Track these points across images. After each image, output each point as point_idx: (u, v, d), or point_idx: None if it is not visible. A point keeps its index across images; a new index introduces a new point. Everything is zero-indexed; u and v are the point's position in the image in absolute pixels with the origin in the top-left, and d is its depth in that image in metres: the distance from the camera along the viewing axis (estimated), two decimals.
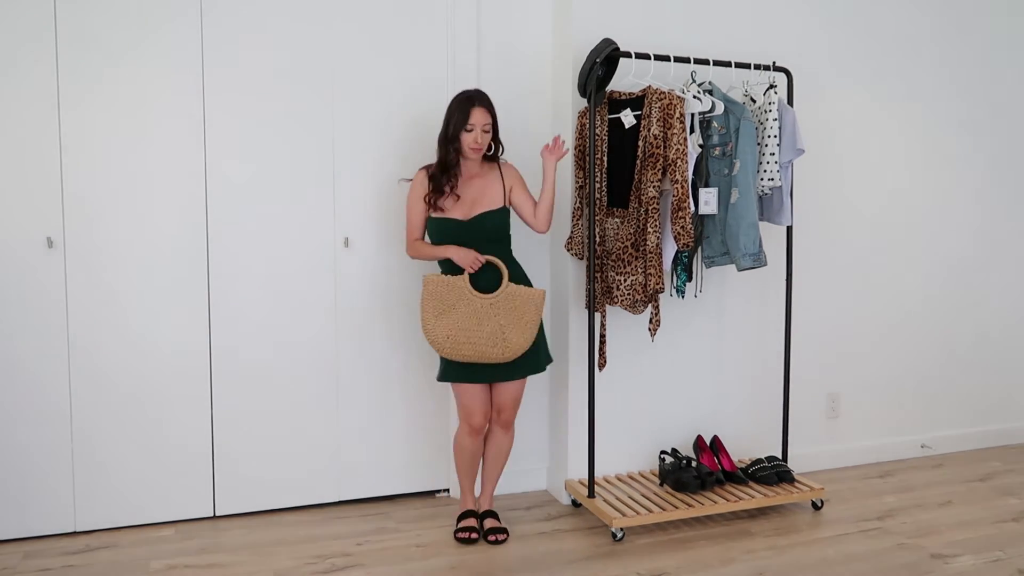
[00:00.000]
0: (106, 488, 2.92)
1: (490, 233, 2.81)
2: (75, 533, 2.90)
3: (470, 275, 2.74)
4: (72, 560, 2.71)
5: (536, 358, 2.87)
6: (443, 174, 2.80)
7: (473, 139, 2.75)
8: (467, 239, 2.77)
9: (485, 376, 2.80)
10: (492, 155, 2.86)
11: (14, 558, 2.71)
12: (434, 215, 2.81)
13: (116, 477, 2.93)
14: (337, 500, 3.21)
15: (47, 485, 2.86)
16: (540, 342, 2.87)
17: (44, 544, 2.82)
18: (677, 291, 3.17)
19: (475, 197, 2.82)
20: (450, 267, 2.80)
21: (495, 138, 2.83)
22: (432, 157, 3.17)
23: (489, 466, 3.00)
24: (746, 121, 3.01)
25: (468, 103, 2.75)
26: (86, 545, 2.82)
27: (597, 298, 3.05)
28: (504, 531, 2.91)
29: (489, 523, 2.93)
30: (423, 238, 2.88)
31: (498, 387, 2.86)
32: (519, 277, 2.85)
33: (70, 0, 2.77)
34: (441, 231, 2.80)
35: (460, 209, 2.80)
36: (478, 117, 2.74)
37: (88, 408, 2.88)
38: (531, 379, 3.36)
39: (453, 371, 2.82)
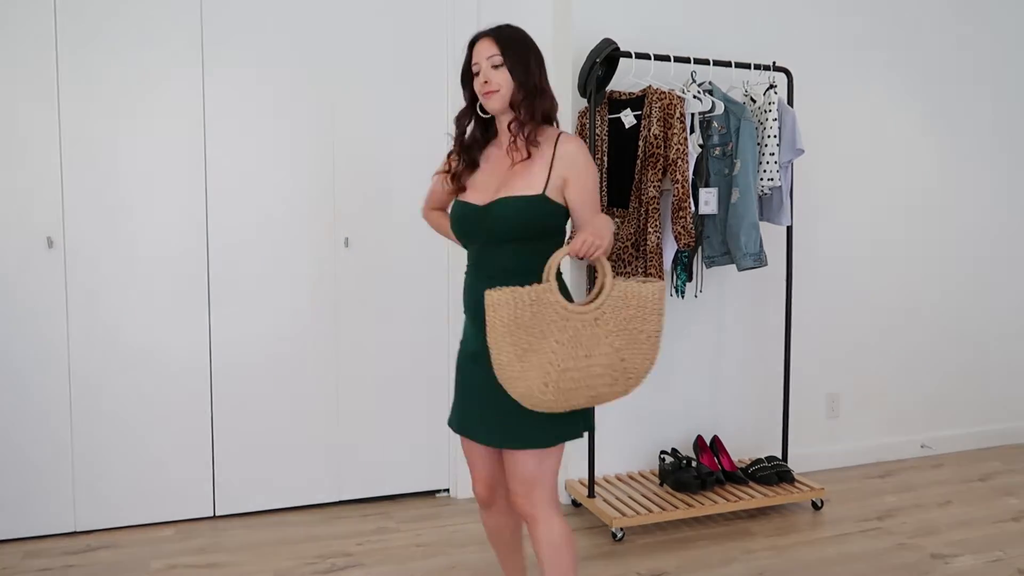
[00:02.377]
0: (106, 488, 2.92)
1: (504, 230, 1.88)
2: (75, 533, 2.90)
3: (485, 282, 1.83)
4: (72, 560, 2.71)
5: (544, 424, 1.87)
6: (458, 131, 2.03)
7: (480, 82, 1.92)
8: (473, 233, 1.94)
9: (478, 434, 1.98)
10: (522, 101, 1.90)
11: (14, 558, 2.71)
12: (458, 197, 2.01)
13: (116, 477, 2.93)
14: (337, 500, 3.21)
15: (47, 485, 2.86)
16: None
17: (44, 544, 2.82)
18: (677, 291, 3.17)
19: (507, 176, 1.93)
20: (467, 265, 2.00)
21: (519, 78, 1.89)
22: (430, 156, 3.17)
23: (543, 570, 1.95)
24: (746, 121, 3.01)
25: (470, 43, 1.98)
26: (86, 545, 2.82)
27: None
28: None
29: None
30: (437, 209, 2.18)
31: (507, 455, 1.95)
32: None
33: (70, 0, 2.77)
34: (453, 219, 2.01)
35: (484, 192, 1.94)
36: (480, 52, 1.93)
37: (88, 408, 2.88)
38: None
39: (454, 416, 2.04)
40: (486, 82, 1.91)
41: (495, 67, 1.91)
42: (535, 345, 1.75)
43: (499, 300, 1.73)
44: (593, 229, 1.81)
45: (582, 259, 1.80)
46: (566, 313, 1.77)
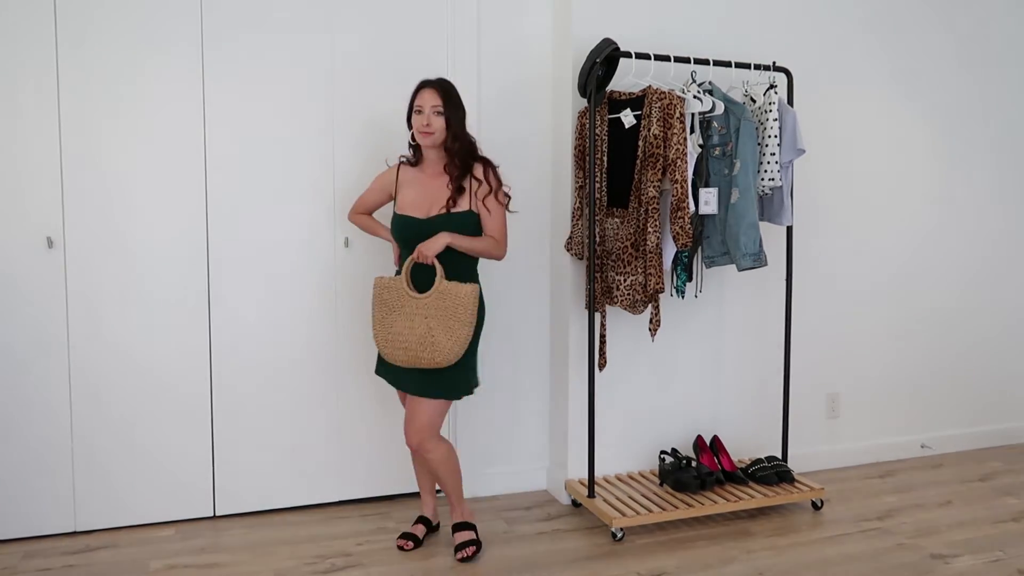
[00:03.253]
0: (106, 488, 2.92)
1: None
2: (75, 533, 2.91)
3: (413, 274, 2.59)
4: (72, 560, 2.71)
5: (452, 379, 2.63)
6: (412, 159, 2.75)
7: (421, 122, 2.58)
8: (419, 239, 2.58)
9: (401, 383, 2.68)
10: (458, 150, 2.61)
11: (14, 558, 2.71)
12: (396, 211, 2.69)
13: (116, 477, 2.93)
14: (337, 500, 3.21)
15: (47, 485, 2.86)
16: (466, 364, 2.64)
17: (44, 544, 2.82)
18: (677, 291, 3.17)
19: (435, 197, 2.63)
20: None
21: (454, 129, 2.60)
22: None
23: (437, 482, 2.81)
24: (746, 121, 3.01)
25: (418, 87, 2.64)
26: (86, 545, 2.82)
27: (597, 298, 3.05)
28: (472, 544, 2.73)
29: (456, 537, 2.76)
30: (363, 214, 2.86)
31: (408, 404, 2.70)
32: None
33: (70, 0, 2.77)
34: (399, 229, 2.67)
35: (420, 207, 2.64)
36: (426, 98, 2.59)
37: (88, 408, 2.88)
38: (531, 378, 3.38)
39: (381, 367, 2.76)
40: (427, 124, 2.58)
41: (437, 114, 2.58)
42: (389, 315, 2.63)
43: (378, 282, 2.67)
44: (425, 243, 2.55)
45: (420, 261, 2.57)
46: (407, 297, 2.60)
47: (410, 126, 2.67)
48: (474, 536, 2.77)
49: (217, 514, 3.06)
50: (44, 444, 2.85)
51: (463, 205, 2.62)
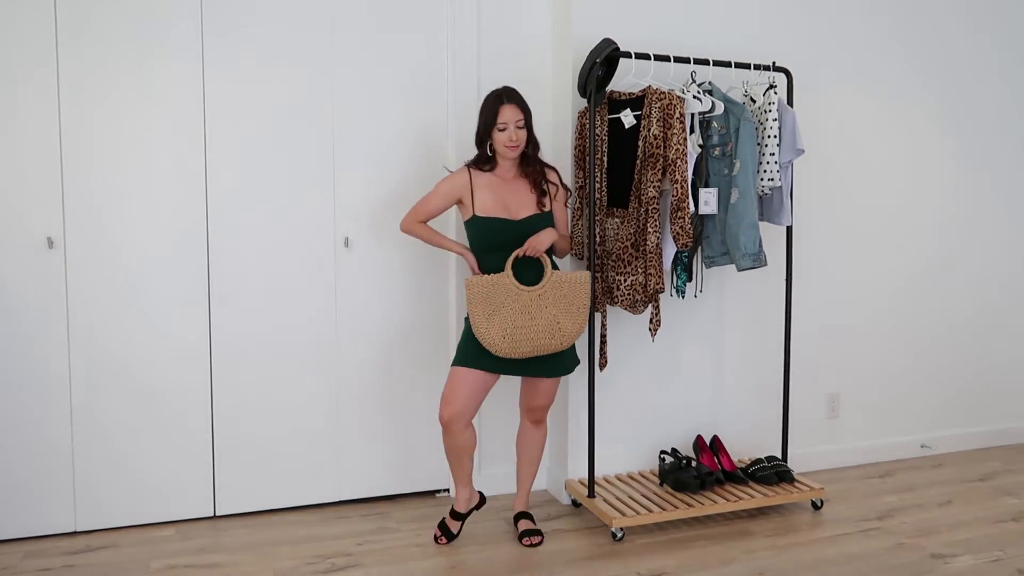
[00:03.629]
0: (106, 488, 2.92)
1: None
2: (75, 533, 2.91)
3: (512, 269, 2.68)
4: (72, 560, 2.71)
5: (572, 358, 2.88)
6: (482, 164, 2.80)
7: (507, 137, 2.71)
8: (516, 240, 2.71)
9: (531, 370, 2.76)
10: (531, 155, 2.79)
11: (14, 558, 2.71)
12: (479, 214, 2.73)
13: (116, 477, 2.93)
14: (337, 500, 3.21)
15: (47, 485, 2.86)
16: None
17: (44, 544, 2.82)
18: (677, 291, 3.17)
19: (520, 199, 2.77)
20: (493, 268, 2.73)
21: (530, 136, 2.78)
22: (431, 156, 3.16)
23: (523, 464, 2.98)
24: (746, 121, 3.01)
25: (497, 101, 2.72)
26: (86, 545, 2.82)
27: (597, 298, 3.05)
28: (538, 533, 2.89)
29: (522, 525, 2.92)
30: (422, 222, 2.83)
31: (534, 385, 2.84)
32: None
33: None
34: (490, 231, 2.73)
35: (509, 209, 2.75)
36: (509, 114, 2.70)
37: (88, 407, 2.88)
38: None
39: (478, 359, 2.73)
40: (515, 139, 2.71)
41: (519, 128, 2.72)
42: (497, 312, 2.67)
43: (473, 282, 2.68)
44: (535, 237, 2.71)
45: (527, 256, 2.70)
46: (517, 291, 2.68)
47: (481, 138, 2.77)
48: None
49: (217, 514, 3.06)
50: (44, 444, 2.85)
51: (546, 206, 2.81)
